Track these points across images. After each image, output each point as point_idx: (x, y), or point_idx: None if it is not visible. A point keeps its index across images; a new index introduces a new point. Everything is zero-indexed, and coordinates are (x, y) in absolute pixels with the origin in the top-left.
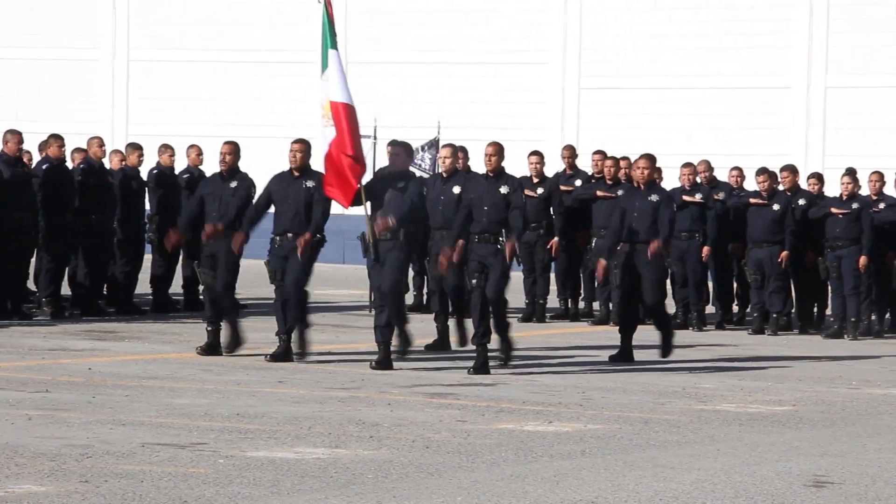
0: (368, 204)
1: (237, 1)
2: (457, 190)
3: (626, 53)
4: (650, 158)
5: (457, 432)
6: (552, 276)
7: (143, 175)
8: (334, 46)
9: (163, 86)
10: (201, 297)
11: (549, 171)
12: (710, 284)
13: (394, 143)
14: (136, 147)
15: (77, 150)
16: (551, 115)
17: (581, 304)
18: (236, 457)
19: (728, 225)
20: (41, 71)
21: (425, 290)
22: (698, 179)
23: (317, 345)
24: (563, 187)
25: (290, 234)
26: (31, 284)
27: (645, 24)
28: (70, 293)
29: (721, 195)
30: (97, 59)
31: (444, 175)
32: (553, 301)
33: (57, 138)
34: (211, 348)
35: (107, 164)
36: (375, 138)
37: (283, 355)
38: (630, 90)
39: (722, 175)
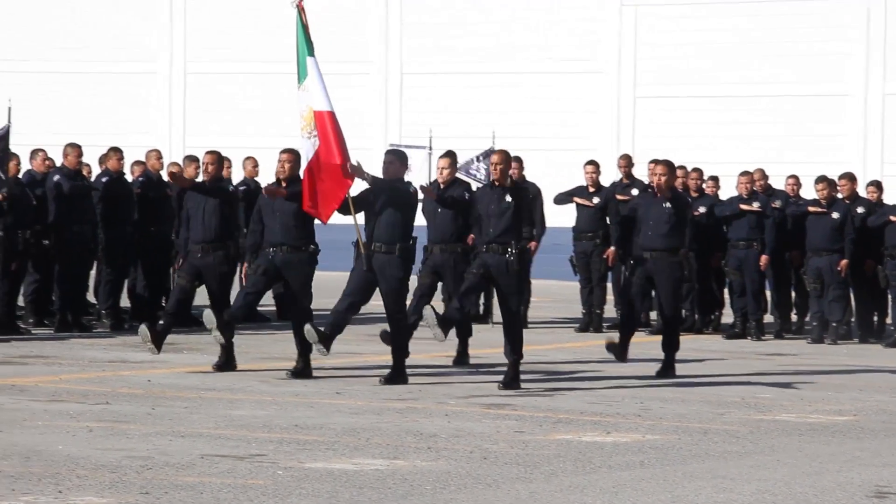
0: (361, 214)
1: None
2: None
3: (681, 62)
4: (668, 165)
5: (514, 443)
6: (609, 285)
7: None
8: (311, 53)
9: (219, 98)
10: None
11: (606, 181)
12: (769, 293)
13: (388, 152)
14: (192, 159)
15: (136, 162)
16: (607, 124)
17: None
18: (295, 468)
19: (786, 233)
20: (100, 84)
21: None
22: (755, 188)
23: (372, 356)
24: (619, 196)
25: (284, 247)
26: (90, 297)
27: (700, 32)
28: (129, 305)
29: (778, 203)
30: (155, 73)
31: (441, 185)
32: (610, 311)
33: (116, 151)
34: (160, 335)
35: (164, 176)
36: (431, 149)
37: (302, 372)
38: (686, 98)
39: (778, 183)
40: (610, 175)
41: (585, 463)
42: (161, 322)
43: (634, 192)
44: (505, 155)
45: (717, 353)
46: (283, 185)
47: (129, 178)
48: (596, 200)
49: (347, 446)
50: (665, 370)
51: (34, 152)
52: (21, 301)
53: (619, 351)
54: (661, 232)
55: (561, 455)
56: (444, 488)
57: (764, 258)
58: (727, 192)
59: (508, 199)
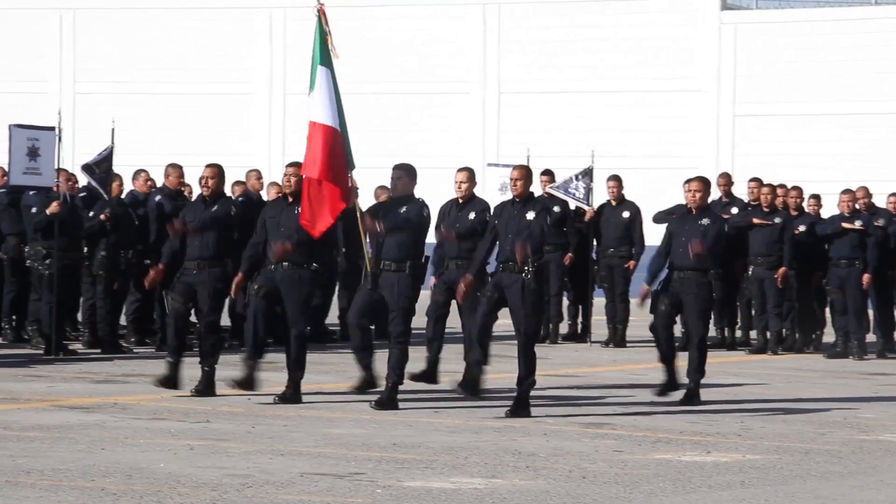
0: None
1: (392, 35)
2: (471, 216)
3: (780, 79)
4: (703, 181)
5: (613, 462)
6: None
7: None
8: (324, 63)
9: None
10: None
11: None
12: (871, 312)
13: (396, 167)
14: (175, 167)
15: (237, 182)
16: (706, 142)
17: (738, 333)
18: (394, 486)
19: (889, 252)
20: (200, 105)
21: (580, 320)
22: (857, 206)
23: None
24: None
25: (284, 265)
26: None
27: (800, 50)
28: (229, 324)
29: (881, 222)
30: (254, 93)
31: (460, 201)
32: (710, 330)
33: (175, 168)
34: (168, 381)
35: (264, 195)
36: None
37: (293, 397)
38: (785, 117)
39: (881, 201)
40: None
41: (685, 483)
42: (205, 370)
43: (734, 210)
44: (525, 171)
45: (819, 373)
46: (290, 200)
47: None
48: None
49: (446, 465)
50: (689, 398)
51: (136, 173)
52: (123, 320)
53: (669, 382)
54: (703, 253)
55: (660, 475)
56: None
57: (866, 277)
58: (829, 210)
59: (530, 216)
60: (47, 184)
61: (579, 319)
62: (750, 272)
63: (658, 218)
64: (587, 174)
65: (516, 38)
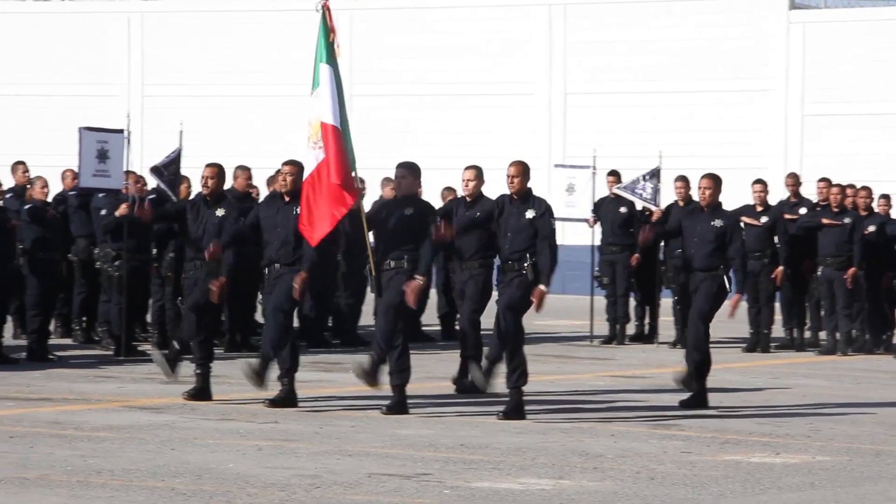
0: (371, 234)
1: (457, 37)
2: (478, 215)
3: (849, 79)
4: (713, 178)
5: (681, 464)
6: (777, 305)
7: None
8: (327, 61)
9: (384, 120)
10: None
11: (773, 200)
12: None
13: (400, 165)
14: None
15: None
16: (774, 142)
17: (807, 334)
18: (461, 487)
19: None
20: (268, 107)
21: (647, 321)
22: None
23: (540, 375)
24: (787, 216)
25: (277, 265)
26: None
27: (869, 49)
28: (297, 325)
29: None
30: None
31: (468, 199)
32: (778, 331)
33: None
34: (201, 392)
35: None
36: (595, 169)
37: (285, 400)
38: (854, 116)
39: None
40: (778, 194)
41: (754, 484)
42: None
43: (803, 210)
44: (522, 167)
45: (889, 374)
46: (286, 199)
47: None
48: (764, 220)
49: (513, 466)
50: (696, 400)
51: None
52: None
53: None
54: (705, 252)
55: (729, 476)
56: None
57: None
58: None
59: (530, 214)
60: (116, 186)
61: (646, 320)
62: (819, 273)
63: None
64: (654, 175)
65: (582, 39)
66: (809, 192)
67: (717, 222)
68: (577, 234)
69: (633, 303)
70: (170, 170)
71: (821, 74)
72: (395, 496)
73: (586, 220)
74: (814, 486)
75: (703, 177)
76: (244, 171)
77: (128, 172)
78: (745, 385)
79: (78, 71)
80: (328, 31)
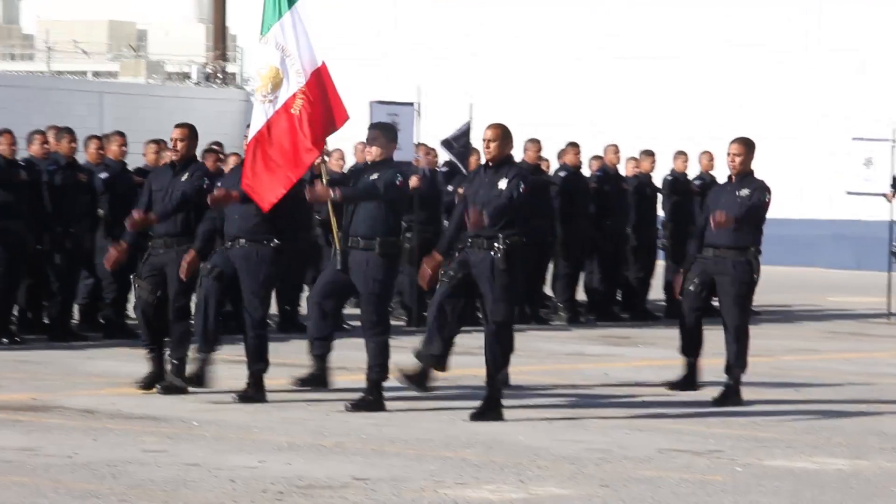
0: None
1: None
2: (501, 184)
3: None
4: (746, 143)
5: None
6: None
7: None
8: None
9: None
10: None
11: None
12: None
13: (372, 126)
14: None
15: (594, 157)
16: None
17: None
18: (753, 465)
19: None
20: (560, 76)
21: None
22: None
23: (833, 353)
24: None
25: (242, 241)
26: (548, 290)
27: None
28: (585, 298)
29: None
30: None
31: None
32: None
33: (573, 146)
34: (154, 378)
35: (622, 170)
36: (895, 142)
37: (256, 395)
38: None
39: None
40: None
41: None
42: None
43: None
44: (501, 130)
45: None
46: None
47: (587, 172)
48: None
49: (807, 444)
50: (727, 396)
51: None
52: None
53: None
54: (730, 226)
55: None
56: None
57: None
58: None
59: (502, 185)
60: (406, 158)
61: None
62: None
63: None
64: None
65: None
66: None
67: (745, 192)
68: (875, 208)
69: None
70: (459, 142)
71: None
72: (686, 472)
73: (884, 195)
74: None
75: (733, 142)
76: (534, 143)
77: (418, 145)
78: None
79: (370, 44)
80: None
